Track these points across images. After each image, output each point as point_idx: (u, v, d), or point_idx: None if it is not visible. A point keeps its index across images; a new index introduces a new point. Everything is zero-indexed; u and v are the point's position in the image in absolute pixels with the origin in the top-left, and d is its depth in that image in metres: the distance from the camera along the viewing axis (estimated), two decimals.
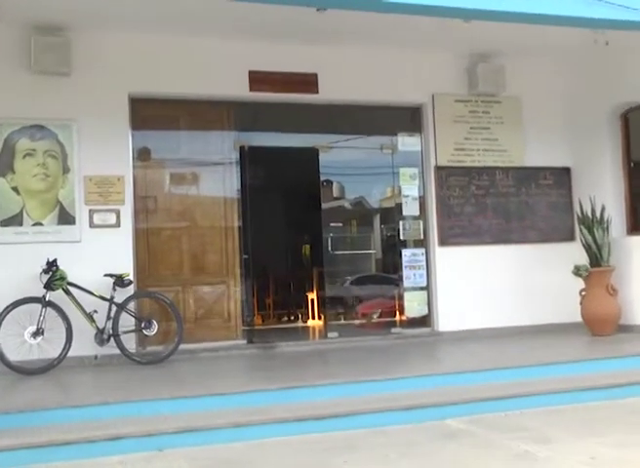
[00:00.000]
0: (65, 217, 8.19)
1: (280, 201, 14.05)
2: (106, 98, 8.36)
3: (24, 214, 8.07)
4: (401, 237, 9.75)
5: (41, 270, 7.64)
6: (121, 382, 7.00)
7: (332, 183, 11.90)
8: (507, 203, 9.88)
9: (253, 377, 7.37)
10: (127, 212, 8.44)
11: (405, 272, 9.63)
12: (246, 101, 9.08)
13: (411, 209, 9.74)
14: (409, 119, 9.88)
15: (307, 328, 11.99)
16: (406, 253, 9.69)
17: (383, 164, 10.01)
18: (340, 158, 10.25)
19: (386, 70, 9.39)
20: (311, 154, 9.73)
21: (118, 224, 8.37)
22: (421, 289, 9.67)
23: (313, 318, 12.25)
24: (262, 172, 10.16)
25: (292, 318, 13.12)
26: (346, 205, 13.08)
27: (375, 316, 11.05)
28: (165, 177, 9.06)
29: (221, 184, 9.16)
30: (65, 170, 8.24)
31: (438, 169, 9.62)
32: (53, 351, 7.52)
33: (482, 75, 9.53)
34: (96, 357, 7.86)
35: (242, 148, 9.33)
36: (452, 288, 9.52)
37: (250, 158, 9.49)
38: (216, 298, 9.00)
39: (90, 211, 8.28)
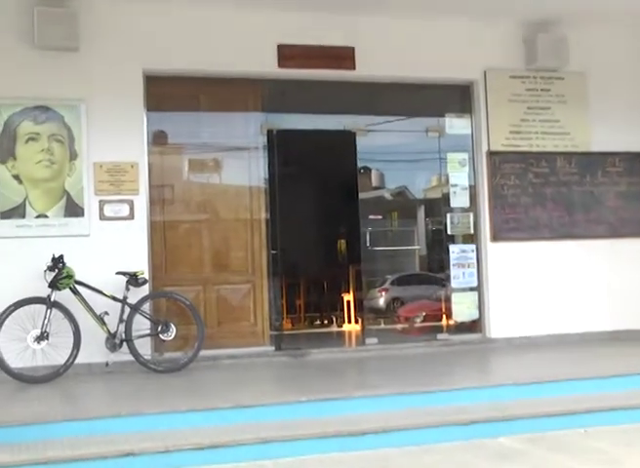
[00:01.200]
0: (73, 209, 8.23)
1: (312, 190, 14.00)
2: (118, 76, 8.39)
3: (27, 206, 8.12)
4: (448, 231, 9.71)
5: (46, 267, 7.67)
6: (135, 392, 7.02)
7: (370, 171, 11.88)
8: (570, 193, 9.78)
9: (282, 388, 7.37)
10: (141, 202, 8.47)
11: (453, 271, 9.59)
12: (274, 79, 9.08)
13: (459, 199, 9.70)
14: (458, 98, 9.84)
15: (343, 333, 11.98)
16: (454, 249, 9.65)
17: (429, 149, 9.97)
18: (380, 142, 10.24)
19: (432, 43, 9.33)
20: (347, 138, 9.70)
21: (132, 216, 8.40)
22: (471, 290, 9.63)
23: (349, 322, 12.22)
24: (293, 158, 10.10)
25: (325, 322, 13.12)
26: (387, 195, 13.04)
27: (418, 320, 11.02)
28: (184, 164, 9.11)
29: (247, 172, 9.18)
30: (73, 156, 8.27)
31: (491, 154, 9.55)
32: (59, 357, 7.56)
33: (541, 47, 9.40)
34: (107, 364, 7.88)
35: (270, 132, 9.32)
36: (506, 289, 9.46)
37: (279, 143, 9.45)
38: (240, 299, 9.02)
39: (100, 201, 8.31)
